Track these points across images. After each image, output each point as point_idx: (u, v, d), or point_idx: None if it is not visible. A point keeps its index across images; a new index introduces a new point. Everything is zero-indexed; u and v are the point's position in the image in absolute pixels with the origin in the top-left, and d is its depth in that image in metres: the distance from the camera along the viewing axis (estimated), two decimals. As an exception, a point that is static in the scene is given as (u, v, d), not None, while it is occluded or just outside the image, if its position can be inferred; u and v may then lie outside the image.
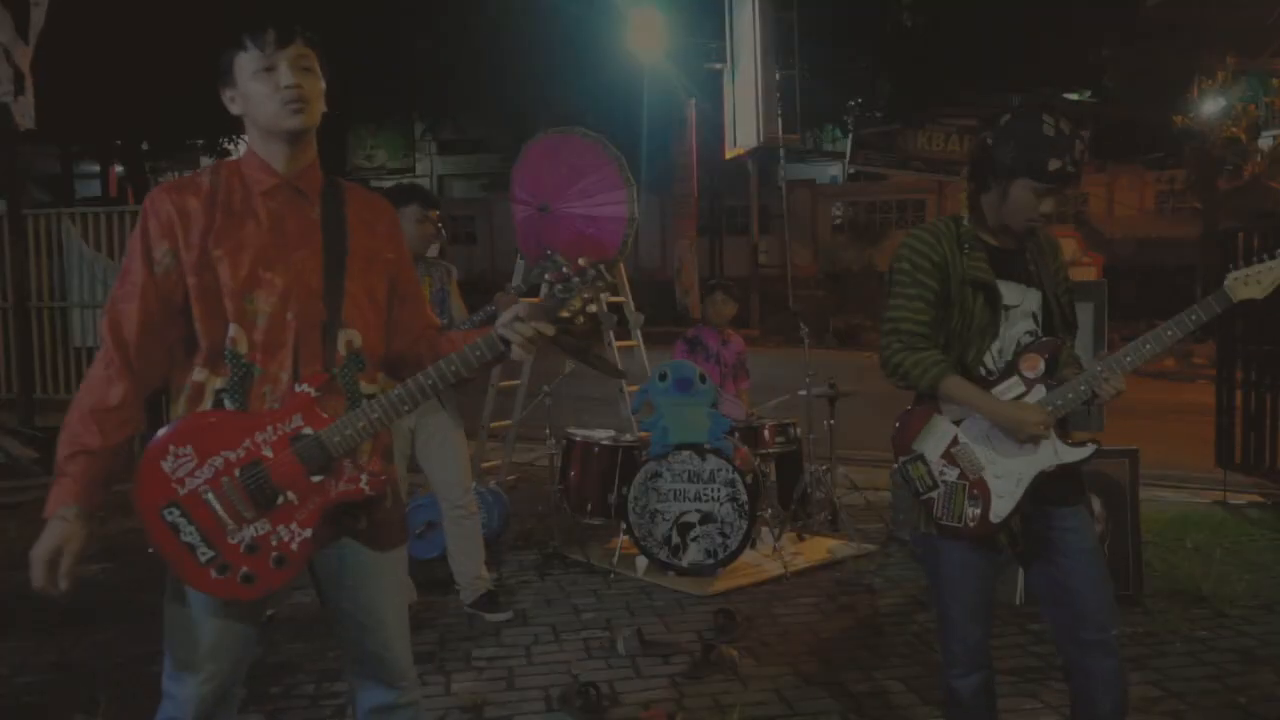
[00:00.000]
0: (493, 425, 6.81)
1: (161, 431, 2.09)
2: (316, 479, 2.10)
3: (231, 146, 34.32)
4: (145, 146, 29.98)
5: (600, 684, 3.69)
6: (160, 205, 2.11)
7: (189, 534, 2.10)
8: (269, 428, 2.09)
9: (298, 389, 2.10)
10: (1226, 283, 2.48)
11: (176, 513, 2.10)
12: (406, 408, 2.13)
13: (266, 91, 2.11)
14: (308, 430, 2.09)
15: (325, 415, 2.10)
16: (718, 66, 19.16)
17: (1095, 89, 23.49)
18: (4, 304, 8.79)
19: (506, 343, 2.11)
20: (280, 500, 2.09)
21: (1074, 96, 24.70)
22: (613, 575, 5.09)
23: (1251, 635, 4.22)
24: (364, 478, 2.13)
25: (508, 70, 22.06)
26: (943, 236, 2.58)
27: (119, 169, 33.34)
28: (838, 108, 27.23)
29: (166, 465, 2.08)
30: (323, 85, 2.19)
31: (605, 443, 5.54)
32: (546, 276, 2.16)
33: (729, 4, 18.25)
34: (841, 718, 3.54)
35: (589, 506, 5.49)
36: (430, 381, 2.11)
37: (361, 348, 2.20)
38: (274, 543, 2.09)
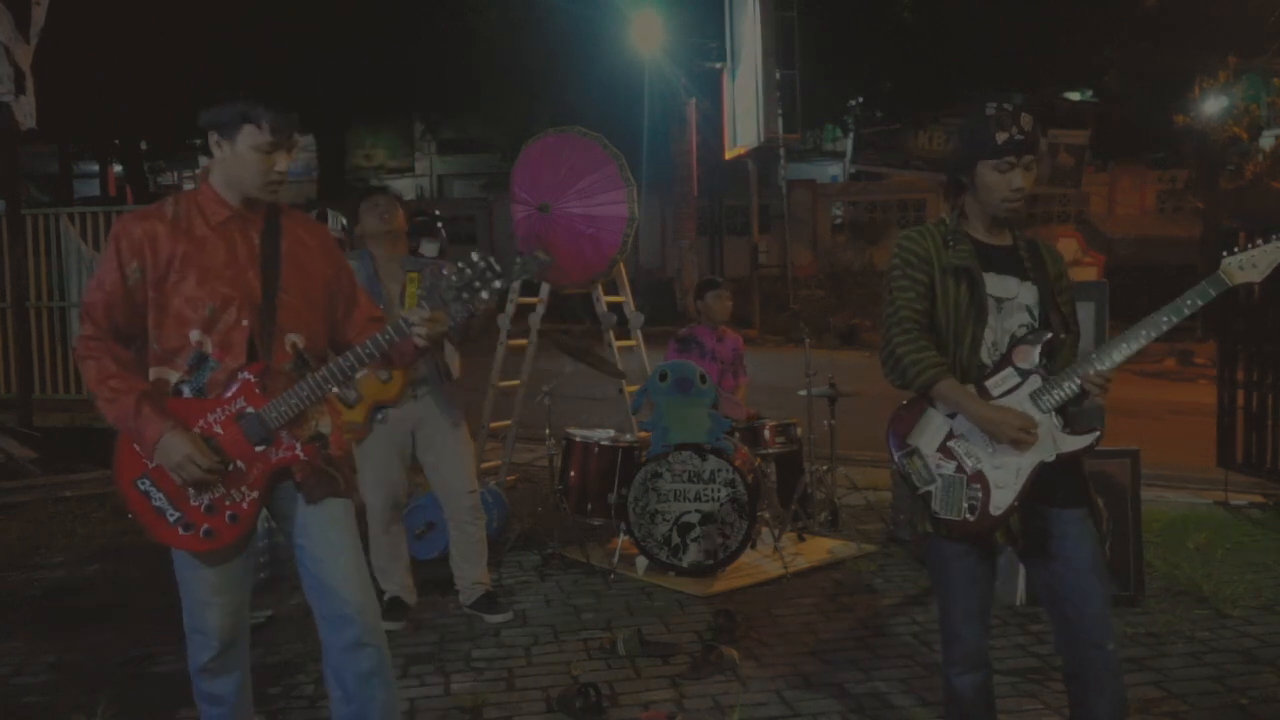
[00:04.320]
0: (493, 425, 6.80)
1: None
2: (260, 449, 2.57)
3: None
4: (144, 146, 29.98)
5: (600, 684, 3.69)
6: (131, 230, 2.55)
7: (158, 499, 2.56)
8: (219, 409, 2.55)
9: (240, 377, 2.55)
10: (1222, 266, 2.46)
11: (147, 482, 2.56)
12: (331, 386, 2.58)
13: (258, 168, 2.55)
14: (250, 409, 2.55)
15: (263, 396, 2.55)
16: (718, 66, 19.15)
17: (1097, 89, 23.47)
18: (3, 304, 8.79)
19: (410, 324, 2.55)
20: (230, 467, 2.56)
21: (1075, 96, 24.70)
22: (613, 575, 5.09)
23: (1253, 636, 4.21)
24: (298, 446, 2.60)
25: (508, 70, 22.04)
26: (928, 234, 2.67)
27: (118, 169, 33.34)
28: (838, 108, 27.21)
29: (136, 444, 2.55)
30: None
31: (605, 443, 5.54)
32: (445, 271, 2.57)
33: (729, 4, 18.25)
34: (841, 718, 3.53)
35: (589, 506, 5.48)
36: (348, 363, 2.57)
37: (305, 346, 2.64)
38: (228, 503, 2.57)
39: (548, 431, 5.55)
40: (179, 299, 2.53)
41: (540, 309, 6.58)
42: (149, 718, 3.61)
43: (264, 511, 2.69)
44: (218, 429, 2.54)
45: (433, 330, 2.57)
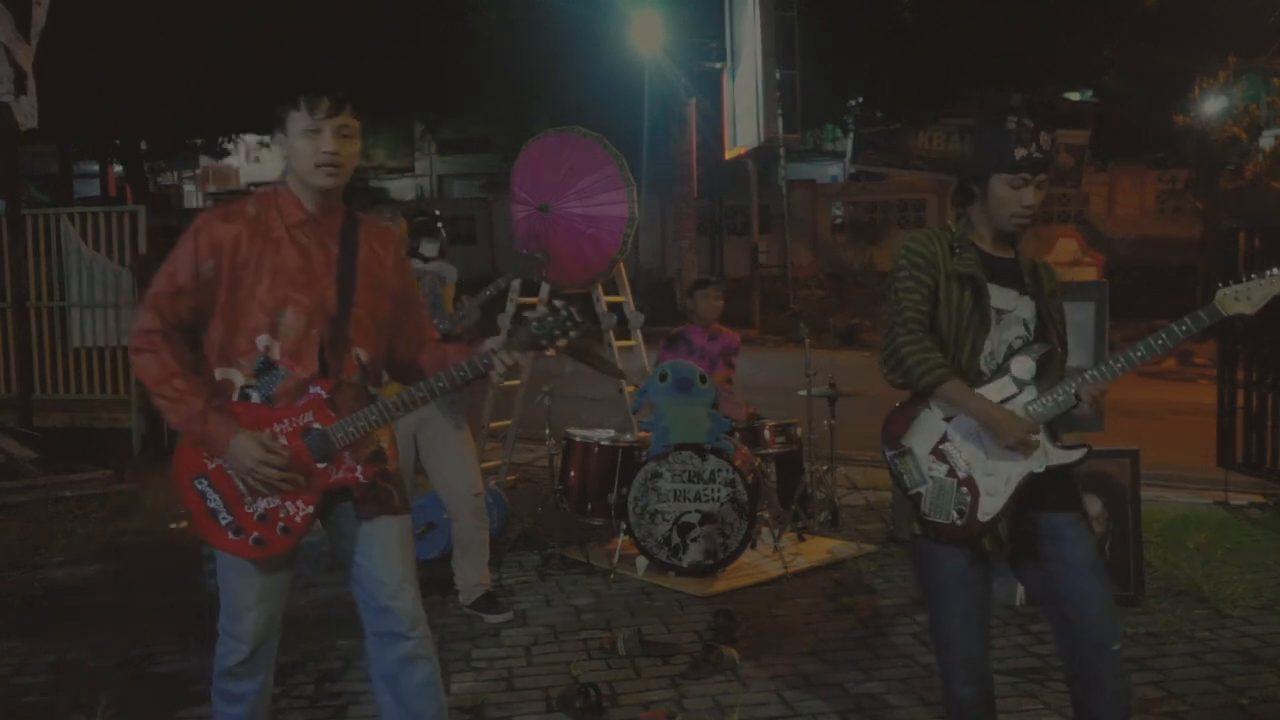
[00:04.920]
0: (493, 425, 6.80)
1: None
2: (321, 465, 2.53)
3: (230, 146, 34.36)
4: (144, 146, 29.97)
5: (600, 684, 3.69)
6: (214, 228, 2.50)
7: (213, 500, 2.54)
8: (286, 420, 2.52)
9: (311, 391, 2.52)
10: (1217, 298, 2.52)
11: (205, 483, 2.54)
12: (399, 412, 2.56)
13: (309, 151, 2.49)
14: (317, 425, 2.52)
15: (332, 414, 2.52)
16: (718, 66, 19.15)
17: (1096, 88, 23.47)
18: (3, 304, 8.78)
19: (488, 364, 2.50)
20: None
21: (1075, 96, 24.69)
22: (613, 575, 5.09)
23: (1253, 636, 4.21)
24: (359, 468, 2.57)
25: (508, 70, 22.04)
26: (935, 239, 2.67)
27: (118, 169, 33.33)
28: (838, 108, 27.20)
29: None
30: (359, 147, 2.59)
31: (605, 443, 5.54)
32: (525, 314, 2.54)
33: (729, 3, 18.25)
34: (841, 718, 3.53)
35: (589, 506, 5.48)
36: (420, 394, 2.54)
37: (367, 361, 2.63)
38: (281, 515, 2.54)
39: (548, 431, 5.55)
40: (252, 301, 2.49)
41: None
42: (149, 718, 3.61)
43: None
44: (282, 439, 2.50)
45: (510, 374, 2.56)
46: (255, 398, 2.52)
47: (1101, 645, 2.53)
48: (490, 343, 2.55)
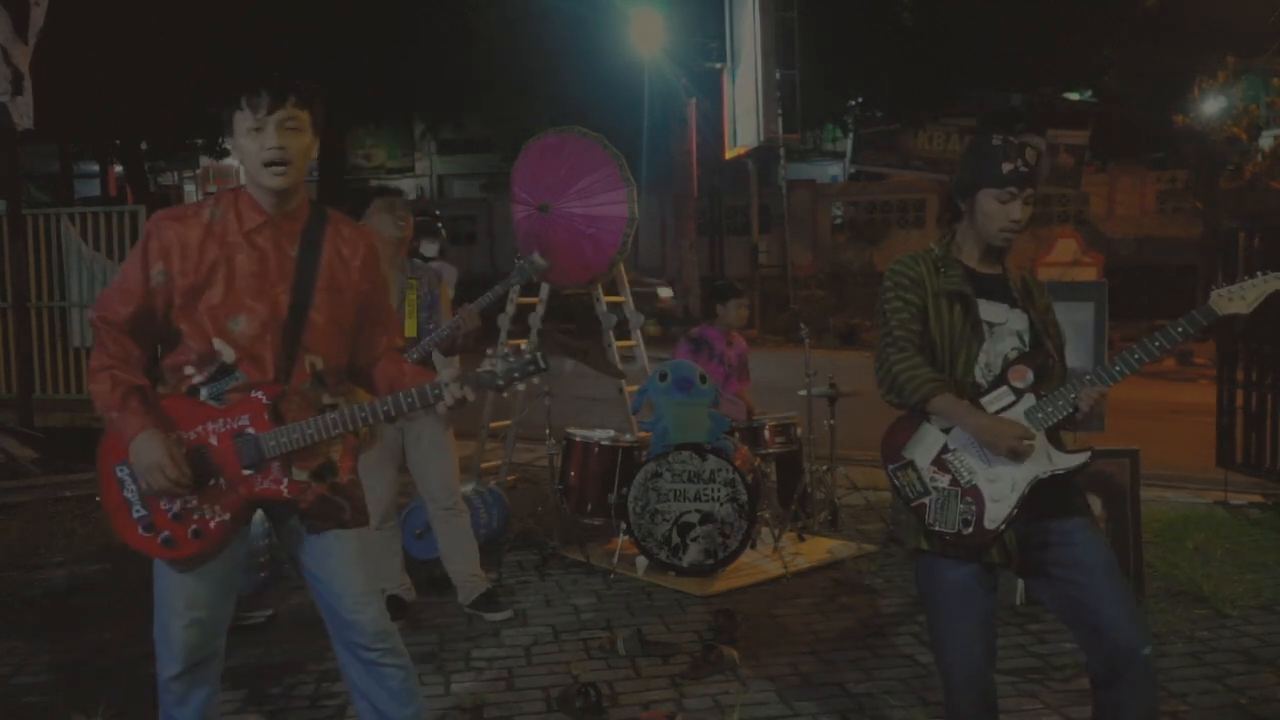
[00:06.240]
0: (493, 425, 6.80)
1: None
2: (247, 472, 2.45)
3: (230, 146, 34.33)
4: (145, 146, 29.94)
5: (600, 684, 3.69)
6: (163, 231, 2.44)
7: (130, 491, 2.47)
8: (221, 420, 2.45)
9: (252, 394, 2.44)
10: (1211, 299, 2.54)
11: (125, 471, 2.47)
12: (338, 430, 2.46)
13: (254, 150, 2.40)
14: (250, 430, 2.44)
15: (270, 422, 2.44)
16: (718, 66, 19.14)
17: (1096, 89, 23.46)
18: (3, 304, 8.79)
19: (439, 395, 2.42)
20: (211, 482, 2.45)
21: (1074, 96, 24.69)
22: (613, 575, 5.09)
23: (1252, 636, 4.21)
24: (285, 482, 2.47)
25: (508, 70, 22.02)
26: (920, 260, 2.70)
27: (118, 169, 33.31)
28: (838, 108, 27.19)
29: None
30: (309, 141, 2.48)
31: (605, 443, 5.54)
32: (489, 353, 2.49)
33: (729, 3, 18.22)
34: (841, 718, 3.53)
35: (589, 506, 5.49)
36: (364, 415, 2.45)
37: (323, 369, 2.54)
38: (196, 517, 2.45)
39: (548, 431, 5.55)
40: (205, 308, 2.43)
41: (540, 309, 6.58)
42: (149, 718, 3.61)
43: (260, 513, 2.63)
44: (213, 440, 2.44)
45: (458, 406, 2.47)
46: (203, 395, 2.46)
47: (1133, 651, 2.48)
48: (446, 373, 2.47)
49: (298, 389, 2.49)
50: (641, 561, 5.12)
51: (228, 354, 2.44)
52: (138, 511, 2.46)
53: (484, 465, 6.80)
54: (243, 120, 2.40)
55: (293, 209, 2.53)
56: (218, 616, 2.58)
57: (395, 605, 4.46)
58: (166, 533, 2.45)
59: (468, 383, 2.43)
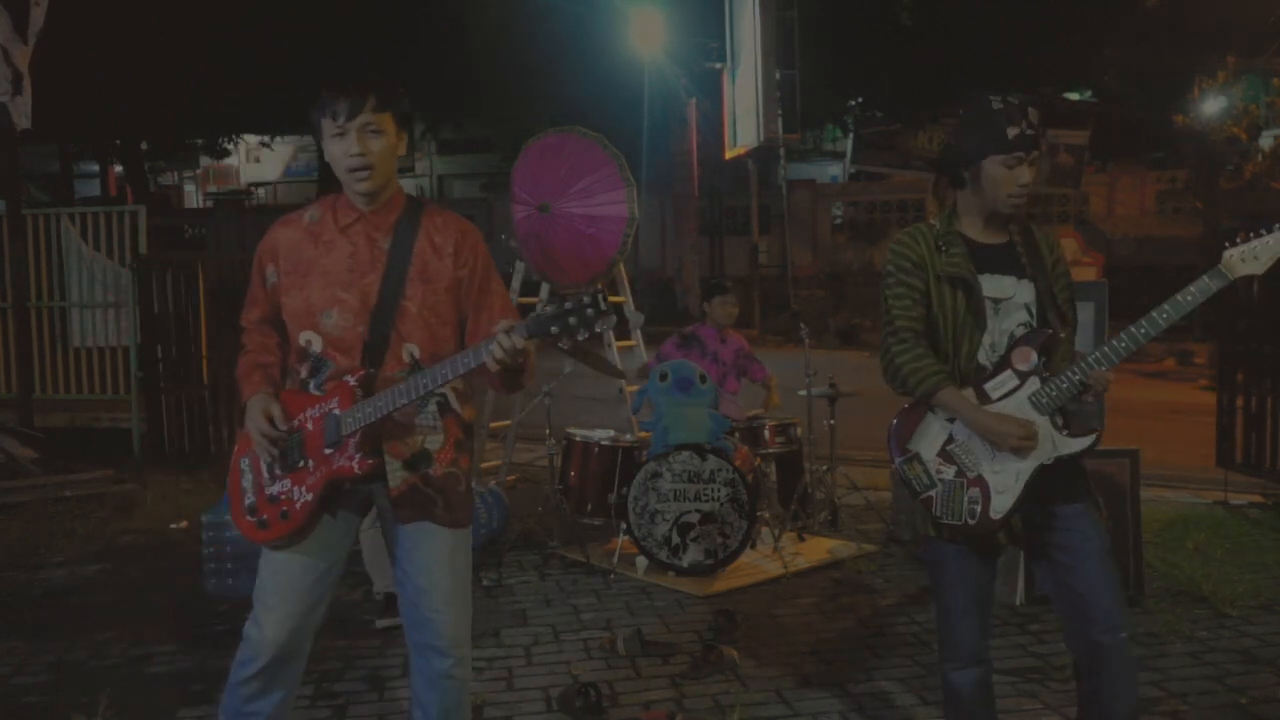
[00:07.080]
0: (493, 425, 6.80)
1: None
2: (327, 451, 2.51)
3: (230, 146, 34.33)
4: (144, 146, 29.97)
5: (600, 684, 3.69)
6: (273, 234, 2.63)
7: (246, 479, 2.63)
8: (317, 406, 2.54)
9: (344, 379, 2.51)
10: (1224, 259, 2.41)
11: (246, 462, 2.64)
12: (403, 400, 2.43)
13: (338, 156, 2.50)
14: (336, 411, 2.50)
15: (352, 402, 2.48)
16: (718, 66, 19.13)
17: (1096, 89, 23.45)
18: (3, 304, 8.79)
19: (490, 349, 2.33)
20: (301, 464, 2.54)
21: (1074, 96, 24.68)
22: (613, 575, 5.09)
23: (1252, 636, 4.21)
24: (356, 459, 2.49)
25: (508, 70, 22.02)
26: (920, 238, 2.66)
27: (118, 169, 33.34)
28: (838, 108, 27.19)
29: None
30: (393, 142, 2.54)
31: (605, 443, 5.54)
32: (546, 305, 2.29)
33: (729, 3, 18.21)
34: (842, 718, 3.53)
35: (589, 506, 5.49)
36: (424, 381, 2.41)
37: (420, 357, 2.55)
38: (284, 498, 2.55)
39: (548, 431, 5.55)
40: (301, 302, 2.55)
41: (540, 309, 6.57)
42: (149, 718, 3.61)
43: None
44: (309, 425, 2.53)
45: (513, 360, 2.30)
46: (311, 387, 2.57)
47: (1110, 631, 2.51)
48: (502, 324, 2.33)
49: (391, 378, 2.50)
50: (641, 561, 5.12)
51: (317, 344, 2.54)
52: (248, 498, 2.61)
53: (484, 465, 6.80)
54: (327, 127, 2.49)
55: (384, 204, 2.60)
56: (304, 612, 2.58)
57: (394, 604, 4.45)
58: (264, 515, 2.57)
59: (517, 331, 2.28)
